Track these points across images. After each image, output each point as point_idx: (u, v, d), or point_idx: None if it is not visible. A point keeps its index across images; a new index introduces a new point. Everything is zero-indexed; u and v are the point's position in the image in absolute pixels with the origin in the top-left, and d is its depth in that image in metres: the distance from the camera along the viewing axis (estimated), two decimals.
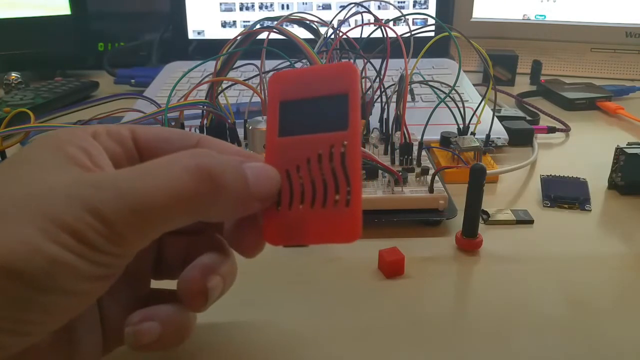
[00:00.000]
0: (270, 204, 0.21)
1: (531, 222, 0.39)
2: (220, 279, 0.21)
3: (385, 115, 0.47)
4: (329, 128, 0.20)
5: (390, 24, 0.43)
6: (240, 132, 0.45)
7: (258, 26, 0.43)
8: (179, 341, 0.22)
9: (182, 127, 0.46)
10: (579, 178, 0.44)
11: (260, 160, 0.22)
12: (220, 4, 0.76)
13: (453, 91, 0.43)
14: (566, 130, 0.58)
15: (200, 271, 0.21)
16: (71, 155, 0.19)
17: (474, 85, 0.64)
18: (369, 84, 0.46)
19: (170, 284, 0.24)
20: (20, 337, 0.17)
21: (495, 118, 0.51)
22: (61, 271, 0.16)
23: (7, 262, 0.16)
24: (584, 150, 0.54)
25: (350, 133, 0.20)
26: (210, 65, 0.43)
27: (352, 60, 0.47)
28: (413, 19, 0.75)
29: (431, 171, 0.40)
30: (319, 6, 0.75)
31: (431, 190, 0.38)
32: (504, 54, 0.77)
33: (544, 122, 0.59)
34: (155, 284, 0.25)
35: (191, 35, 0.77)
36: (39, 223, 0.16)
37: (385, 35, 0.43)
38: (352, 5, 0.47)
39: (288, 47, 0.40)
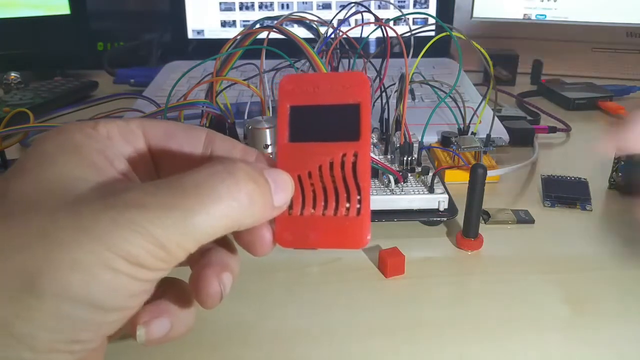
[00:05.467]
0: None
1: (532, 222, 0.39)
2: (231, 275, 0.22)
3: (385, 115, 0.47)
4: (341, 137, 0.21)
5: (391, 23, 0.43)
6: (240, 132, 0.45)
7: (258, 26, 0.43)
8: (186, 333, 0.22)
9: None
10: (580, 178, 0.44)
11: (268, 160, 0.22)
12: (220, 3, 0.76)
13: (453, 91, 0.43)
14: (567, 130, 0.58)
15: (214, 270, 0.21)
16: (94, 163, 0.19)
17: (475, 85, 0.64)
18: None
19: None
20: (73, 355, 0.18)
21: (496, 118, 0.51)
22: (116, 294, 0.17)
23: (65, 288, 0.16)
24: (585, 150, 0.54)
25: (362, 144, 0.21)
26: (210, 65, 0.43)
27: (351, 60, 0.47)
28: (413, 18, 0.75)
29: (431, 171, 0.40)
30: (319, 5, 0.75)
31: (431, 190, 0.38)
32: (504, 54, 0.77)
33: (545, 122, 0.59)
34: None
35: (191, 35, 0.77)
36: (93, 249, 0.16)
37: (385, 35, 0.43)
38: (352, 4, 0.47)
39: (288, 47, 0.40)
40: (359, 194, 0.21)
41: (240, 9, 0.76)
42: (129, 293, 0.17)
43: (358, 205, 0.21)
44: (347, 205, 0.21)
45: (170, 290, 0.22)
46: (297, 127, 0.22)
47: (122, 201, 0.17)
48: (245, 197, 0.18)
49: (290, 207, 0.21)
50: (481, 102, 0.48)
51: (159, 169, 0.23)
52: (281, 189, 0.20)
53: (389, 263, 0.33)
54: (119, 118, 0.22)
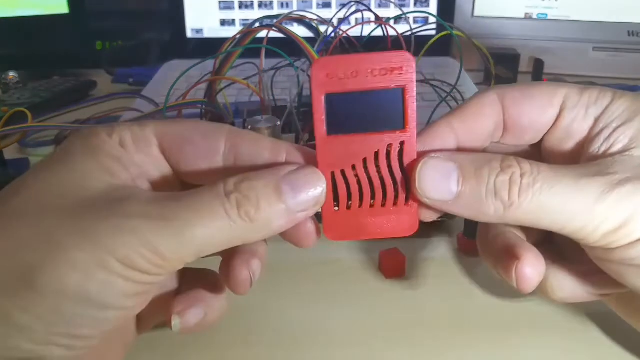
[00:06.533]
0: (327, 204, 0.21)
1: None
2: (259, 262, 0.22)
3: None
4: (384, 126, 0.20)
5: (391, 22, 0.43)
6: None
7: (257, 24, 0.42)
8: (219, 319, 0.23)
9: None
10: None
11: (304, 153, 0.21)
12: (219, 2, 0.75)
13: (454, 90, 0.43)
14: None
15: (243, 258, 0.22)
16: (109, 168, 0.20)
17: (476, 84, 0.63)
18: None
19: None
20: (72, 350, 0.19)
21: None
22: (110, 293, 0.18)
23: (63, 285, 0.17)
24: None
25: (408, 132, 0.20)
26: (209, 64, 0.42)
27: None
28: (414, 17, 0.74)
29: None
30: (319, 4, 0.75)
31: None
32: (505, 53, 0.76)
33: None
34: None
35: (190, 34, 0.77)
36: (90, 250, 0.18)
37: (385, 34, 0.42)
38: (353, 3, 0.47)
39: (288, 46, 0.40)
40: (407, 182, 0.20)
41: (240, 7, 0.75)
42: (123, 293, 0.18)
43: (406, 194, 0.20)
44: (394, 194, 0.21)
45: (203, 281, 0.23)
46: (335, 118, 0.20)
47: (125, 209, 0.18)
48: (239, 218, 0.19)
49: (337, 202, 0.21)
50: None
51: (181, 174, 0.22)
52: (305, 193, 0.20)
53: (389, 264, 0.33)
54: (135, 122, 0.22)
